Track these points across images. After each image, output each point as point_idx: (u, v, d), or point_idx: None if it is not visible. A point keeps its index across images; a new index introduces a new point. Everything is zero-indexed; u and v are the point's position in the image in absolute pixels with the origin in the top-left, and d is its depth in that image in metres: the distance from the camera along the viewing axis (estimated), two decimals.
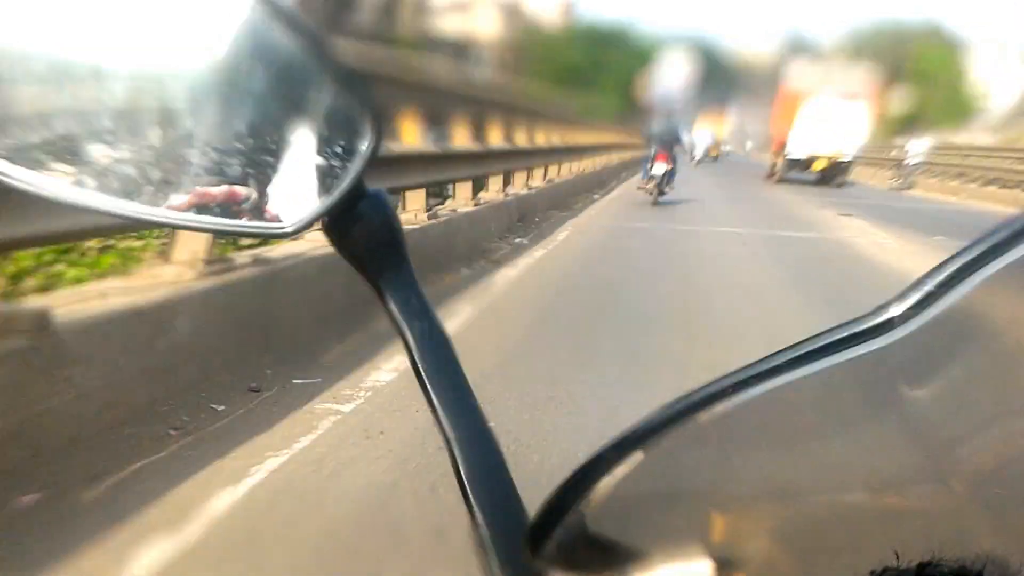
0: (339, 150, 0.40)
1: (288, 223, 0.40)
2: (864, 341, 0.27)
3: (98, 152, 0.38)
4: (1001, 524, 0.29)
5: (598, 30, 37.21)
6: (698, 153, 32.78)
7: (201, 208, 0.40)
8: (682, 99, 59.43)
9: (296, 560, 1.66)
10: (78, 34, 0.38)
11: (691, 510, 0.32)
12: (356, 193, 0.40)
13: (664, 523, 0.32)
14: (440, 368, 0.39)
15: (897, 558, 0.29)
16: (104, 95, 0.38)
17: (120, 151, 0.38)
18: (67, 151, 0.38)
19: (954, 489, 0.29)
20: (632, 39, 38.89)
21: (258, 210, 0.40)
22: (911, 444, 0.29)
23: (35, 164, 0.38)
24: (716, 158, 34.90)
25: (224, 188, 0.40)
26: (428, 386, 0.38)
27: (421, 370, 0.38)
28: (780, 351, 0.27)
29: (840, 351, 0.27)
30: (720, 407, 0.28)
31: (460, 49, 36.99)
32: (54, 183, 0.38)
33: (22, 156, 0.37)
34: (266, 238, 0.52)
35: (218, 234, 0.72)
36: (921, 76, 47.58)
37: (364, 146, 0.39)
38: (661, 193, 11.34)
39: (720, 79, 72.12)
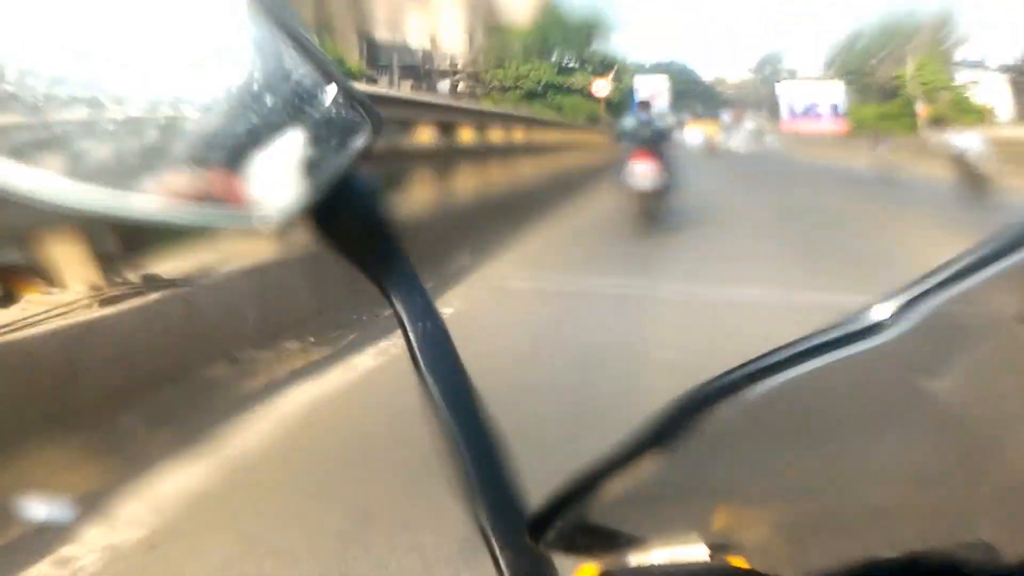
0: (333, 143, 0.41)
1: (274, 210, 0.41)
2: (868, 337, 0.27)
3: (84, 147, 0.39)
4: (998, 518, 0.30)
5: (568, 22, 32.37)
6: (695, 143, 33.82)
7: (179, 197, 0.40)
8: (662, 111, 56.18)
9: None
10: (72, 35, 0.39)
11: (692, 503, 0.34)
12: (347, 184, 0.41)
13: (664, 514, 0.34)
14: (443, 365, 0.41)
15: (892, 548, 0.30)
16: (93, 95, 0.39)
17: (97, 137, 0.39)
18: (50, 145, 0.39)
19: (957, 483, 0.30)
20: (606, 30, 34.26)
21: (241, 198, 0.41)
22: (913, 440, 0.30)
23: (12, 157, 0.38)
24: (712, 153, 35.65)
25: (207, 178, 0.41)
26: (430, 384, 0.40)
27: (423, 368, 0.40)
28: (785, 346, 0.28)
29: (845, 346, 0.27)
30: (724, 405, 0.29)
31: (424, 62, 32.13)
32: (26, 174, 0.38)
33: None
34: (250, 228, 0.44)
35: (199, 226, 0.52)
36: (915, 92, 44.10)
37: (358, 141, 0.41)
38: (654, 213, 8.27)
39: (698, 96, 69.25)
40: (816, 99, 57.40)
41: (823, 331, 0.28)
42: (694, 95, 69.67)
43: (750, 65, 74.33)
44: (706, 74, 76.31)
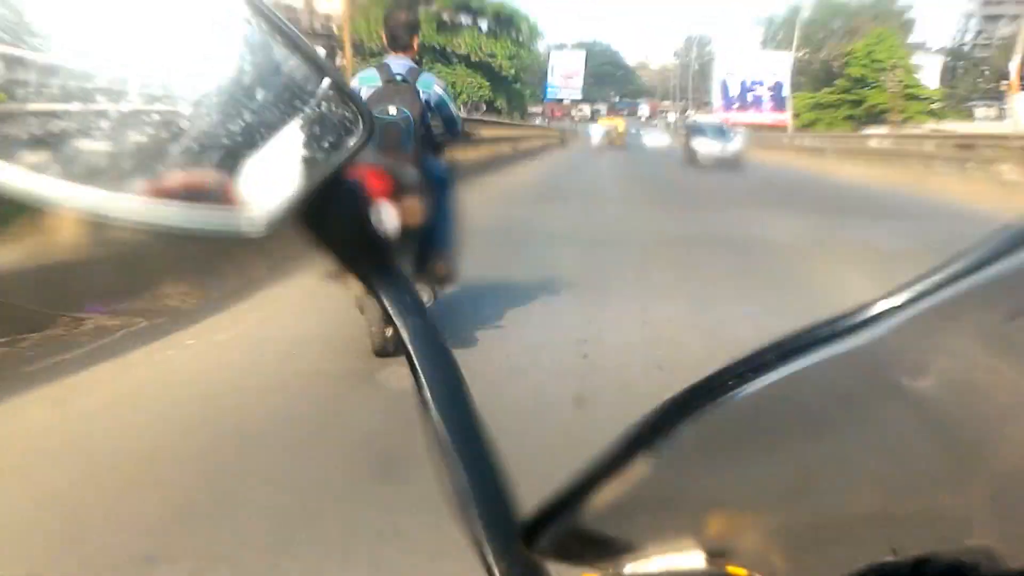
0: (326, 144, 0.43)
1: (260, 213, 0.42)
2: (859, 335, 0.28)
3: (70, 144, 0.40)
4: (998, 519, 0.31)
5: None
6: (596, 140, 29.92)
7: (166, 196, 0.41)
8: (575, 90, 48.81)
9: None
10: (68, 31, 0.40)
11: (686, 507, 0.35)
12: (334, 185, 0.42)
13: (659, 519, 0.36)
14: (434, 364, 0.41)
15: (894, 553, 0.31)
16: (84, 88, 0.40)
17: (87, 136, 0.40)
18: (39, 144, 0.40)
19: (951, 484, 0.31)
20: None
21: (228, 199, 0.42)
22: (910, 439, 0.31)
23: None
24: (621, 147, 31.12)
25: (192, 174, 0.42)
26: (422, 381, 0.41)
27: (417, 366, 0.41)
28: (773, 344, 0.29)
29: (833, 343, 0.28)
30: (713, 407, 0.30)
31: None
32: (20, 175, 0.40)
33: None
34: (235, 235, 0.43)
35: (186, 229, 0.44)
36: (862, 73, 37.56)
37: (350, 141, 0.42)
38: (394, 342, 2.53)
39: (618, 81, 61.69)
40: (757, 77, 48.04)
41: (813, 328, 0.28)
42: (613, 80, 61.74)
43: (676, 47, 67.32)
44: (629, 57, 68.64)
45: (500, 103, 28.31)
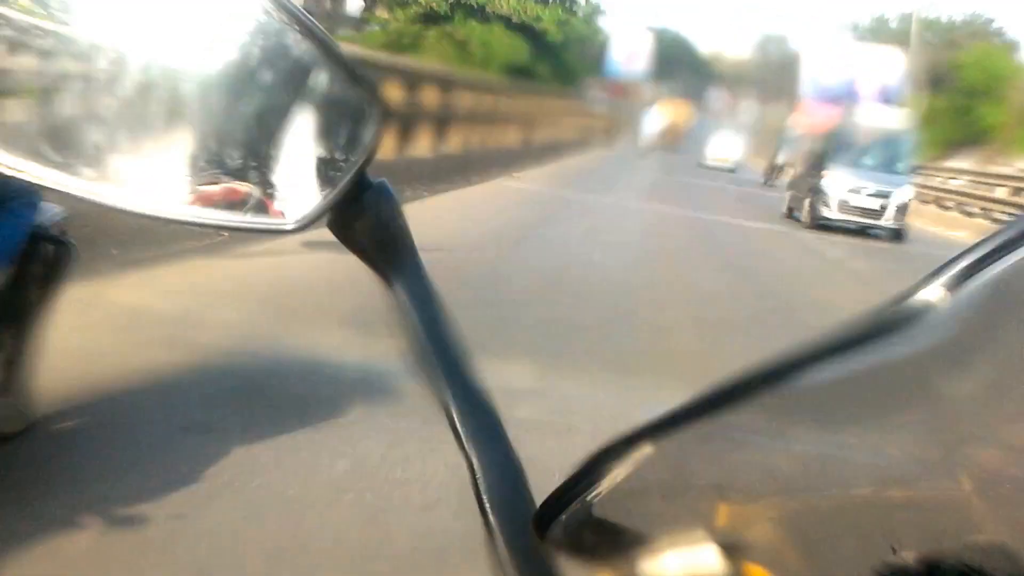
0: (342, 142, 0.44)
1: (291, 219, 0.44)
2: (888, 333, 0.26)
3: (101, 143, 0.43)
4: (1010, 519, 0.31)
5: None
6: (648, 133, 26.22)
7: (204, 204, 0.45)
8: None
9: None
10: (86, 25, 0.42)
11: (698, 501, 0.36)
12: (360, 185, 0.43)
13: (671, 512, 0.37)
14: (448, 356, 0.42)
15: (896, 551, 0.32)
16: (109, 87, 0.42)
17: (123, 143, 0.43)
18: (68, 140, 0.42)
19: (966, 484, 0.30)
20: None
21: (261, 206, 0.44)
22: (927, 438, 0.30)
23: (34, 154, 0.42)
24: (676, 148, 26.70)
25: (224, 187, 0.44)
26: (436, 374, 0.42)
27: (429, 361, 0.42)
28: (803, 345, 0.28)
29: (862, 344, 0.27)
30: (732, 404, 0.30)
31: None
32: (52, 173, 0.42)
33: (22, 145, 0.42)
34: (269, 235, 0.66)
35: (221, 230, 0.78)
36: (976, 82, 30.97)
37: (367, 137, 0.43)
38: None
39: (686, 69, 55.40)
40: (858, 73, 36.71)
41: (845, 327, 0.26)
42: (682, 66, 55.73)
43: (752, 42, 60.99)
44: (702, 46, 62.39)
45: (541, 71, 23.95)
